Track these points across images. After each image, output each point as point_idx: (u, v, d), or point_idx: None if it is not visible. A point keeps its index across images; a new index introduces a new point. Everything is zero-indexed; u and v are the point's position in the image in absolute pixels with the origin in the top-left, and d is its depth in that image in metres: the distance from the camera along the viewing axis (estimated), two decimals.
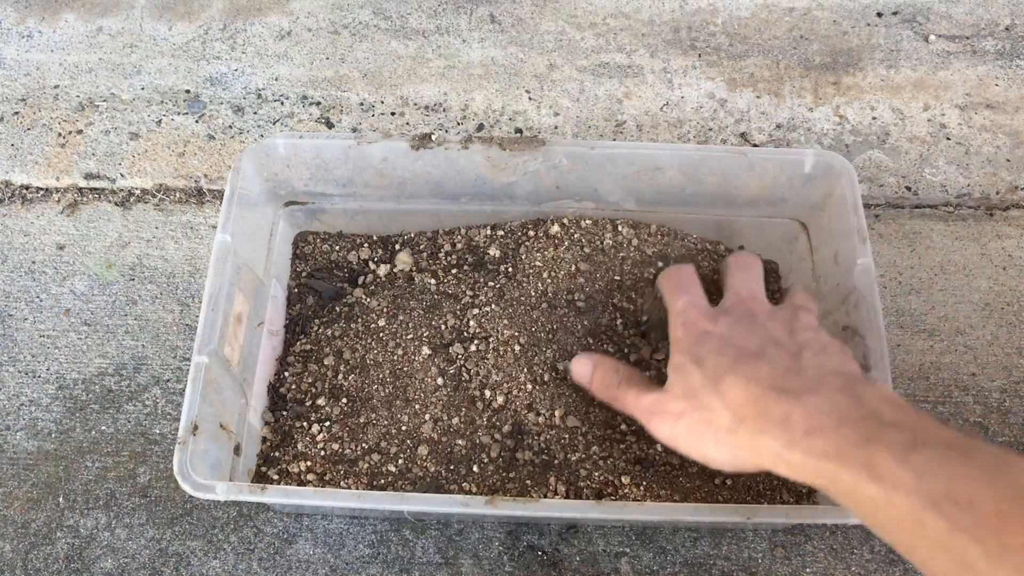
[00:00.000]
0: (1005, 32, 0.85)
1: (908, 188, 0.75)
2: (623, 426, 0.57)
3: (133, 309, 0.68)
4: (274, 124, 0.78)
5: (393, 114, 0.79)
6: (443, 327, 0.61)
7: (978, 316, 0.68)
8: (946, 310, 0.69)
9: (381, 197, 0.64)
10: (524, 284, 0.61)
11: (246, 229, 0.59)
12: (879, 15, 0.86)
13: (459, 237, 0.66)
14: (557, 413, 0.57)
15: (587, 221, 0.64)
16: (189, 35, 0.85)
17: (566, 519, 0.59)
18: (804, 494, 0.56)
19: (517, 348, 0.59)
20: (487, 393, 0.58)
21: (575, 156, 0.60)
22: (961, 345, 0.67)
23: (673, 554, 0.58)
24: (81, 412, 0.64)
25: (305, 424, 0.58)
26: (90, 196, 0.74)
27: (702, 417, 0.44)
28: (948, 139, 0.78)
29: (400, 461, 0.56)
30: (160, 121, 0.79)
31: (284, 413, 0.59)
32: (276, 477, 0.56)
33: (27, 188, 0.75)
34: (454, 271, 0.64)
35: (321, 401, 0.59)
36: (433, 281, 0.63)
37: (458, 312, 0.61)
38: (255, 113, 0.79)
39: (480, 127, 0.78)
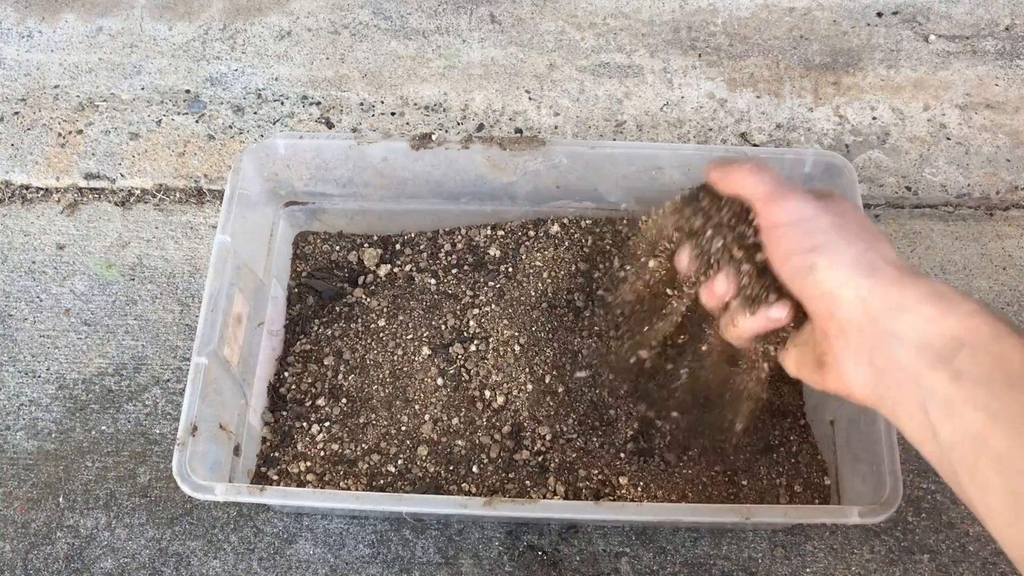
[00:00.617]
0: (1005, 32, 0.85)
1: (908, 188, 0.75)
2: (623, 425, 0.57)
3: (133, 309, 0.68)
4: (274, 124, 0.78)
5: (393, 114, 0.79)
6: (443, 327, 0.61)
7: None
8: None
9: (381, 197, 0.64)
10: (524, 284, 0.61)
11: (246, 229, 0.59)
12: (879, 15, 0.86)
13: (459, 237, 0.66)
14: (557, 413, 0.57)
15: (587, 221, 0.64)
16: (189, 35, 0.85)
17: (565, 520, 0.59)
18: (802, 494, 0.56)
19: (517, 348, 0.59)
20: (487, 393, 0.58)
21: (575, 156, 0.60)
22: None
23: (673, 554, 0.58)
24: (81, 412, 0.64)
25: (305, 424, 0.58)
26: (90, 196, 0.74)
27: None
28: (948, 139, 0.78)
29: (400, 461, 0.56)
30: (160, 121, 0.79)
31: (284, 413, 0.59)
32: (276, 477, 0.56)
33: (27, 188, 0.75)
34: (454, 271, 0.64)
35: (321, 401, 0.59)
36: (433, 281, 0.63)
37: (458, 312, 0.61)
38: (255, 113, 0.79)
39: (480, 127, 0.78)
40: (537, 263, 0.62)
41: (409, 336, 0.60)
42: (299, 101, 0.80)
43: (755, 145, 0.77)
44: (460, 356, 0.59)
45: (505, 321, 0.60)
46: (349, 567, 0.58)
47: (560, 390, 0.58)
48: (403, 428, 0.57)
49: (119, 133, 0.78)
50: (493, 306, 0.61)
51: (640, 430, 0.57)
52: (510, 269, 0.63)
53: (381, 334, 0.61)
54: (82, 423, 0.63)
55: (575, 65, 0.83)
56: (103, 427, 0.63)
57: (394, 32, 0.85)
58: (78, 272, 0.70)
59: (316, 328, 0.62)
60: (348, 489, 0.55)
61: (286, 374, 0.61)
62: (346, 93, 0.81)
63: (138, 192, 0.75)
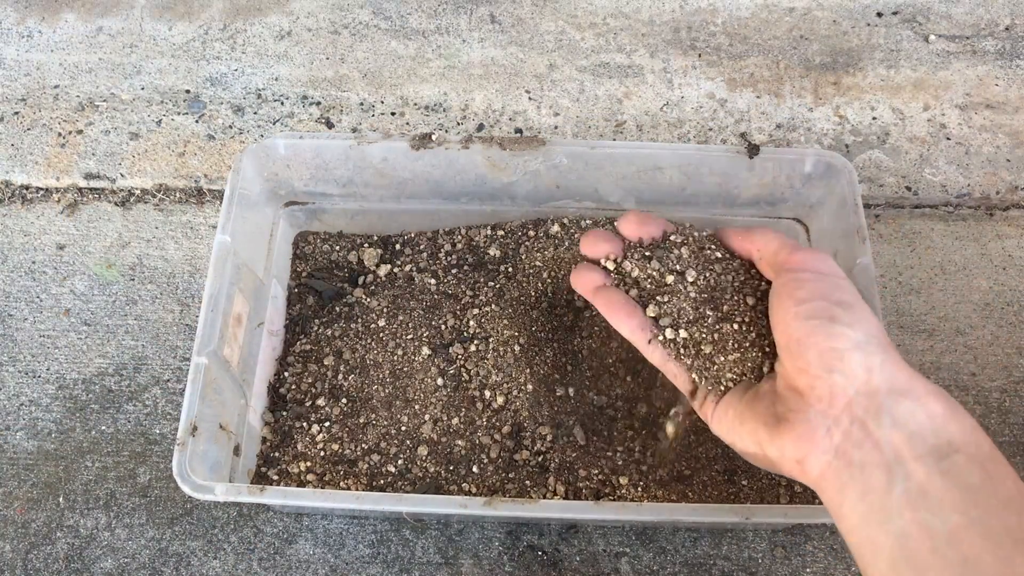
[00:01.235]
0: (1005, 32, 0.85)
1: (908, 188, 0.75)
2: (622, 424, 0.57)
3: (133, 309, 0.68)
4: (274, 124, 0.78)
5: (393, 114, 0.79)
6: (443, 327, 0.61)
7: (978, 316, 0.68)
8: (946, 310, 0.69)
9: (381, 197, 0.64)
10: (524, 284, 0.61)
11: (246, 229, 0.59)
12: (879, 15, 0.86)
13: (459, 237, 0.66)
14: (557, 413, 0.57)
15: (587, 221, 0.64)
16: (189, 35, 0.85)
17: (565, 519, 0.59)
18: (802, 494, 0.56)
19: (517, 348, 0.59)
20: (487, 393, 0.58)
21: (575, 156, 0.60)
22: (961, 345, 0.67)
23: (673, 554, 0.58)
24: (81, 412, 0.64)
25: (305, 424, 0.58)
26: (90, 196, 0.75)
27: None
28: (948, 139, 0.78)
29: (400, 461, 0.56)
30: (160, 121, 0.79)
31: (284, 413, 0.59)
32: (276, 477, 0.56)
33: (27, 188, 0.75)
34: (454, 271, 0.64)
35: (321, 401, 0.59)
36: (433, 281, 0.63)
37: (458, 312, 0.61)
38: (255, 113, 0.79)
39: (480, 127, 0.78)
40: (537, 263, 0.62)
41: (409, 336, 0.60)
42: (299, 101, 0.80)
43: (755, 145, 0.77)
44: (460, 356, 0.59)
45: (505, 321, 0.60)
46: (349, 567, 0.58)
47: (560, 390, 0.58)
48: (403, 428, 0.57)
49: (119, 133, 0.78)
50: (493, 306, 0.61)
51: (642, 428, 0.57)
52: (510, 269, 0.63)
53: (381, 334, 0.61)
54: (82, 423, 0.64)
55: (575, 65, 0.83)
56: (103, 427, 0.63)
57: (394, 32, 0.85)
58: (78, 272, 0.70)
59: (316, 328, 0.62)
60: (348, 489, 0.55)
61: (286, 374, 0.61)
62: (346, 93, 0.81)
63: (138, 192, 0.75)
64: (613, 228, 0.48)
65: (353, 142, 0.60)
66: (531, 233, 0.64)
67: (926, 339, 0.67)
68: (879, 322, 0.39)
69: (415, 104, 0.80)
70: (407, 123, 0.79)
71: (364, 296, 0.63)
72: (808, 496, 0.56)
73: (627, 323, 0.45)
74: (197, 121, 0.79)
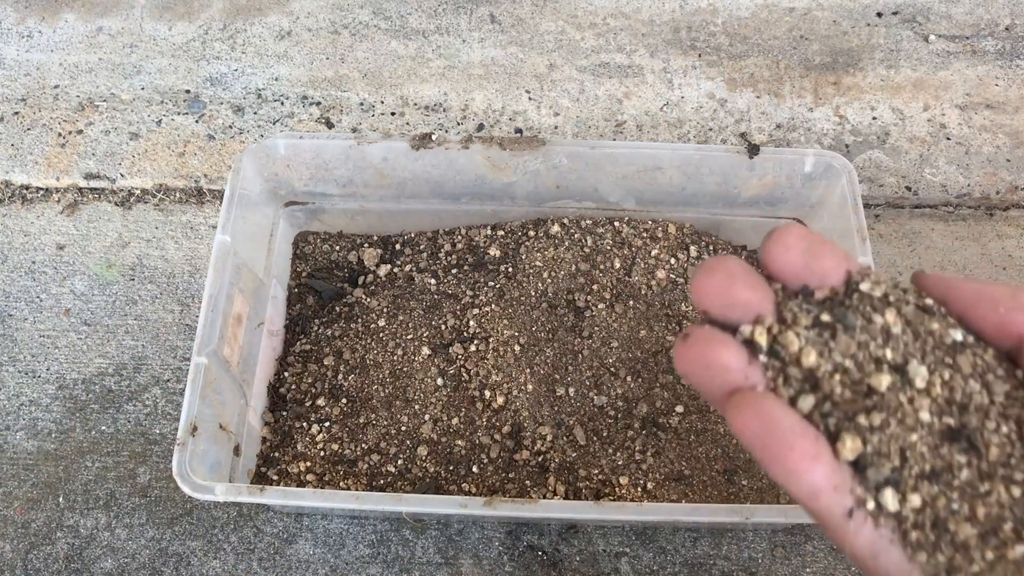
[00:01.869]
0: (1005, 32, 0.85)
1: (908, 188, 0.75)
2: (622, 424, 0.57)
3: (133, 309, 0.68)
4: (274, 124, 0.78)
5: (393, 114, 0.79)
6: (443, 327, 0.61)
7: None
8: None
9: (381, 197, 0.64)
10: (524, 284, 0.61)
11: (246, 229, 0.59)
12: (879, 15, 0.86)
13: (459, 237, 0.66)
14: (557, 413, 0.57)
15: (587, 221, 0.64)
16: (189, 35, 0.85)
17: (565, 519, 0.59)
18: None
19: (517, 348, 0.59)
20: (487, 393, 0.58)
21: (575, 156, 0.60)
22: None
23: (673, 554, 0.58)
24: (81, 412, 0.64)
25: (305, 424, 0.58)
26: (90, 196, 0.74)
27: None
28: (948, 139, 0.78)
29: (400, 461, 0.56)
30: (160, 121, 0.79)
31: (284, 413, 0.59)
32: (276, 477, 0.56)
33: (27, 188, 0.75)
34: (454, 271, 0.64)
35: (321, 401, 0.59)
36: (433, 281, 0.63)
37: (458, 312, 0.61)
38: (255, 113, 0.79)
39: (480, 127, 0.78)
40: (537, 263, 0.62)
41: (409, 336, 0.60)
42: (299, 101, 0.80)
43: (755, 145, 0.77)
44: (460, 356, 0.59)
45: (505, 321, 0.60)
46: (349, 567, 0.58)
47: (560, 390, 0.58)
48: (403, 428, 0.57)
49: (119, 133, 0.78)
50: (493, 306, 0.61)
51: (641, 427, 0.57)
52: (510, 269, 0.63)
53: (381, 334, 0.61)
54: (82, 423, 0.63)
55: (575, 65, 0.83)
56: (103, 427, 0.63)
57: (394, 32, 0.85)
58: (78, 272, 0.70)
59: (316, 328, 0.62)
60: (348, 489, 0.55)
61: (286, 374, 0.61)
62: (346, 93, 0.81)
63: (138, 192, 0.75)
64: (746, 256, 0.32)
65: (353, 142, 0.60)
66: (531, 233, 0.64)
67: None
68: None
69: (415, 104, 0.80)
70: (407, 123, 0.79)
71: (364, 296, 0.63)
72: None
73: (806, 475, 0.24)
74: (197, 121, 0.79)
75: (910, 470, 0.24)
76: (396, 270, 0.65)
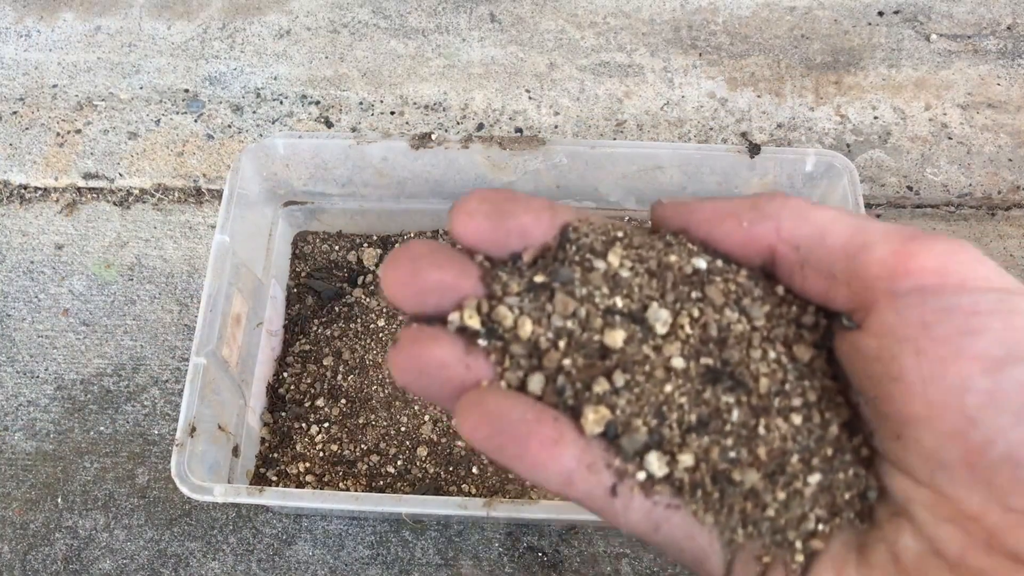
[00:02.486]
0: (1007, 31, 0.84)
1: (910, 188, 0.75)
2: None
3: (132, 309, 0.68)
4: (273, 123, 0.78)
5: (392, 113, 0.79)
6: None
7: None
8: None
9: (381, 197, 0.64)
10: None
11: (245, 229, 0.58)
12: (880, 14, 0.86)
13: None
14: None
15: None
16: (188, 34, 0.84)
17: (565, 521, 0.59)
18: None
19: None
20: None
21: (575, 155, 0.59)
22: None
23: None
24: (79, 413, 0.64)
25: (304, 425, 0.58)
26: (88, 196, 0.74)
27: None
28: (950, 139, 0.77)
29: (399, 462, 0.56)
30: (159, 120, 0.78)
31: (283, 414, 0.59)
32: (275, 478, 0.56)
33: (25, 188, 0.75)
34: None
35: (320, 402, 0.58)
36: None
37: None
38: (254, 112, 0.79)
39: (480, 126, 0.78)
40: None
41: None
42: (298, 100, 0.80)
43: (756, 144, 0.77)
44: None
45: None
46: (348, 568, 0.58)
47: None
48: (402, 429, 0.57)
49: (117, 133, 0.78)
50: None
51: None
52: None
53: (380, 334, 0.60)
54: (80, 424, 0.63)
55: (575, 64, 0.82)
56: (101, 428, 0.63)
57: (393, 31, 0.85)
58: (76, 272, 0.70)
59: (315, 328, 0.62)
60: (347, 490, 0.54)
61: (285, 374, 0.61)
62: (345, 92, 0.80)
63: (137, 192, 0.74)
64: (444, 237, 0.27)
65: (352, 142, 0.60)
66: None
67: None
68: None
69: (415, 103, 0.80)
70: (406, 122, 0.78)
71: (363, 296, 0.63)
72: None
73: (552, 463, 0.21)
74: (196, 120, 0.78)
75: (672, 427, 0.22)
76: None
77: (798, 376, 0.22)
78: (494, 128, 0.78)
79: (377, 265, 0.65)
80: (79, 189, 0.75)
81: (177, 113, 0.79)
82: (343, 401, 0.58)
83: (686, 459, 0.22)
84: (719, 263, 0.23)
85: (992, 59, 0.82)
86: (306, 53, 0.83)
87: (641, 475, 0.22)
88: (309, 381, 0.60)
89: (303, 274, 0.66)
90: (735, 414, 0.22)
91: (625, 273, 0.22)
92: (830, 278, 0.22)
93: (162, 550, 0.59)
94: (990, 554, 0.19)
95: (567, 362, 0.22)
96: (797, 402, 0.22)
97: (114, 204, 0.74)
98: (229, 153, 0.76)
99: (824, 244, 0.22)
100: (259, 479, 0.56)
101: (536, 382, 0.22)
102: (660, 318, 0.22)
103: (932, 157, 0.76)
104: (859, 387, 0.22)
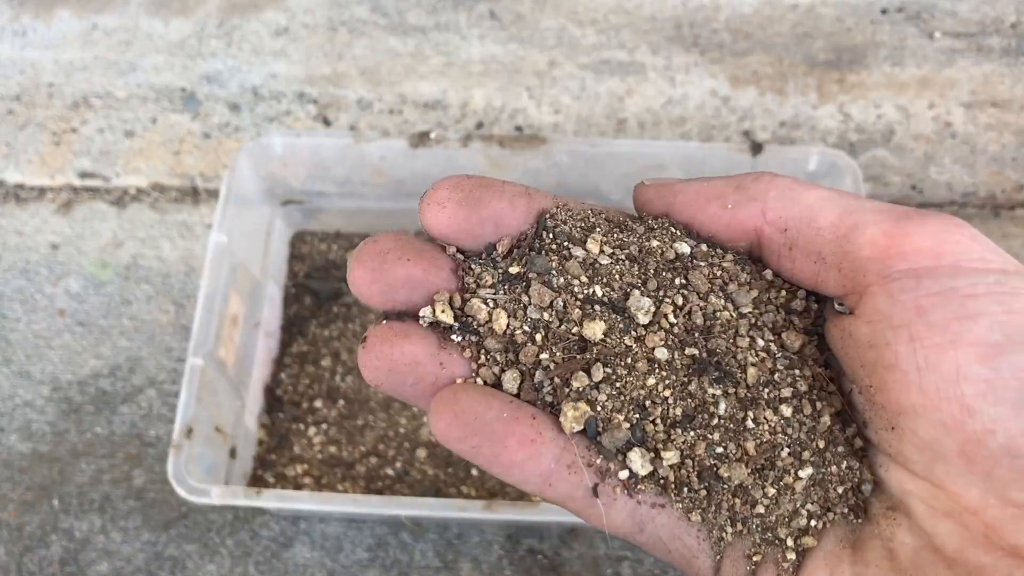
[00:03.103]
0: (1011, 29, 0.84)
1: (913, 187, 0.74)
2: None
3: (128, 309, 0.68)
4: (271, 122, 0.78)
5: (391, 112, 0.78)
6: None
7: None
8: None
9: (379, 196, 0.64)
10: None
11: (242, 229, 0.58)
12: (883, 12, 0.85)
13: None
14: None
15: None
16: (185, 32, 0.84)
17: (565, 523, 0.58)
18: None
19: None
20: None
21: (576, 154, 0.59)
22: None
23: None
24: (75, 414, 0.63)
25: (302, 427, 0.57)
26: (84, 195, 0.74)
27: None
28: (953, 137, 0.77)
29: (398, 464, 0.55)
30: (155, 119, 0.78)
31: (280, 415, 0.58)
32: (272, 480, 0.56)
33: (21, 187, 0.74)
34: None
35: (318, 403, 0.58)
36: None
37: None
38: (251, 111, 0.78)
39: (479, 125, 0.78)
40: None
41: None
42: (296, 99, 0.79)
43: (759, 143, 0.76)
44: None
45: None
46: (347, 571, 0.57)
47: None
48: (401, 430, 0.56)
49: (114, 131, 0.77)
50: None
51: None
52: None
53: None
54: (76, 425, 0.63)
55: (576, 62, 0.82)
56: (98, 429, 0.63)
57: (392, 29, 0.84)
58: (72, 272, 0.69)
59: (313, 329, 0.62)
60: (346, 492, 0.54)
61: (282, 376, 0.60)
62: (344, 91, 0.80)
63: (133, 191, 0.74)
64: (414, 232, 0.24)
65: (351, 140, 0.59)
66: None
67: None
68: None
69: (413, 102, 0.79)
70: (405, 121, 0.78)
71: None
72: None
73: (529, 463, 0.21)
74: (193, 119, 0.78)
75: (656, 422, 0.20)
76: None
77: (788, 365, 0.22)
78: (494, 127, 0.77)
79: None
80: (75, 188, 0.74)
81: (174, 112, 0.78)
82: (341, 402, 0.58)
83: (671, 456, 0.21)
84: (703, 247, 0.22)
85: (996, 57, 0.82)
86: (304, 51, 0.82)
87: (624, 474, 0.21)
88: (307, 382, 0.59)
89: (301, 274, 0.65)
90: (722, 407, 0.21)
91: (605, 260, 0.21)
92: (820, 261, 0.21)
93: (159, 552, 0.58)
94: (989, 549, 0.19)
95: (545, 356, 0.21)
96: (787, 392, 0.22)
97: (110, 203, 0.73)
98: (226, 152, 0.76)
99: (812, 225, 0.21)
100: (256, 481, 0.56)
101: (512, 378, 0.21)
102: (642, 307, 0.21)
103: (936, 156, 0.76)
104: (852, 375, 0.21)
